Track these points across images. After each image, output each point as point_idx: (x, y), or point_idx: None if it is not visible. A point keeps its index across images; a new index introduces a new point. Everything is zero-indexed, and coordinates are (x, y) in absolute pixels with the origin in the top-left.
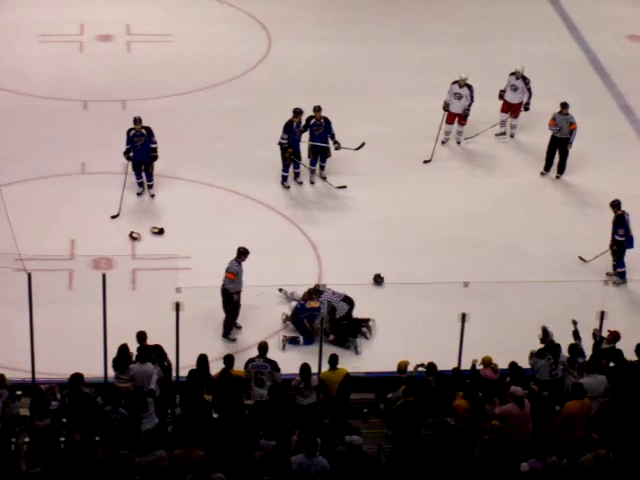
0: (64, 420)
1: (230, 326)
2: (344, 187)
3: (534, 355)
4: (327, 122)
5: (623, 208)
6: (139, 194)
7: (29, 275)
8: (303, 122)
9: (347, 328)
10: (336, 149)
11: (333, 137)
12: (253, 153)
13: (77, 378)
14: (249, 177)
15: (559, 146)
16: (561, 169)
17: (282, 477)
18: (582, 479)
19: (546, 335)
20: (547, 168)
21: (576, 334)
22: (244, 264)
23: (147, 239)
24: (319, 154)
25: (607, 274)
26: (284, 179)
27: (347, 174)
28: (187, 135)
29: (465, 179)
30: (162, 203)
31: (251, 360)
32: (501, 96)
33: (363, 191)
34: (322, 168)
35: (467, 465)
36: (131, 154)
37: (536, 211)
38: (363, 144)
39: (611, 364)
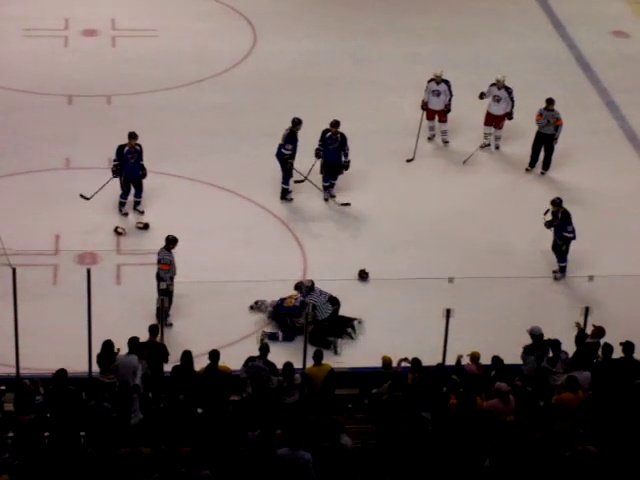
0: (48, 415)
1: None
2: (348, 204)
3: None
4: (343, 138)
5: (611, 204)
6: (126, 214)
7: (14, 270)
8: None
9: (328, 329)
10: (345, 168)
11: (346, 155)
12: (238, 148)
13: (62, 373)
14: (234, 172)
15: (544, 142)
16: (546, 165)
17: (266, 469)
18: (565, 472)
19: (535, 332)
20: (532, 164)
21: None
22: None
23: (132, 234)
24: (331, 171)
25: (554, 272)
26: (285, 192)
27: None
28: (172, 130)
29: (449, 176)
30: (147, 198)
31: (251, 359)
32: (482, 97)
33: (348, 187)
34: (332, 186)
35: (484, 455)
36: (116, 170)
37: (521, 207)
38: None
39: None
